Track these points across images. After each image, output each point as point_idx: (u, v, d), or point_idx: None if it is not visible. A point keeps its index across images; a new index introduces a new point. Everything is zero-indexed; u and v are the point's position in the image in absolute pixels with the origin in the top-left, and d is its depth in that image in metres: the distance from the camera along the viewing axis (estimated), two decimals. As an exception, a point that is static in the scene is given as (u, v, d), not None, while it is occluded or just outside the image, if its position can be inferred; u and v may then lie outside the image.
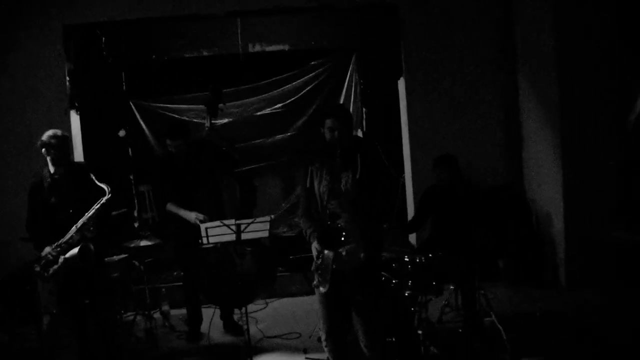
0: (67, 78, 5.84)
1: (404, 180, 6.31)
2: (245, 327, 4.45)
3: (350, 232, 3.37)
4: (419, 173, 5.88)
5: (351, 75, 7.72)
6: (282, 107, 7.71)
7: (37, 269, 4.05)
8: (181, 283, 5.37)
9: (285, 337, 4.89)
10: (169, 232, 5.06)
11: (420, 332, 4.07)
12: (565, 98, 5.24)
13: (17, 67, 5.72)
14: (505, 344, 4.12)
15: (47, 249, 4.07)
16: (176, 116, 7.52)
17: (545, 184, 5.52)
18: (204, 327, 5.00)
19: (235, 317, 5.14)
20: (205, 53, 7.33)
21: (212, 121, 4.97)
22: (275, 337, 4.91)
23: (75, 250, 4.01)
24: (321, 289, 3.42)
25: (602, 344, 4.21)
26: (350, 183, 3.43)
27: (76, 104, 5.99)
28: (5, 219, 5.63)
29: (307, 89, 7.68)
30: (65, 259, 4.03)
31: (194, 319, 5.06)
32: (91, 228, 4.03)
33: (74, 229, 4.03)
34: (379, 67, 7.13)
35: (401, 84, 6.09)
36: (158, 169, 5.05)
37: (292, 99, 7.69)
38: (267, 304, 5.73)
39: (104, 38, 6.32)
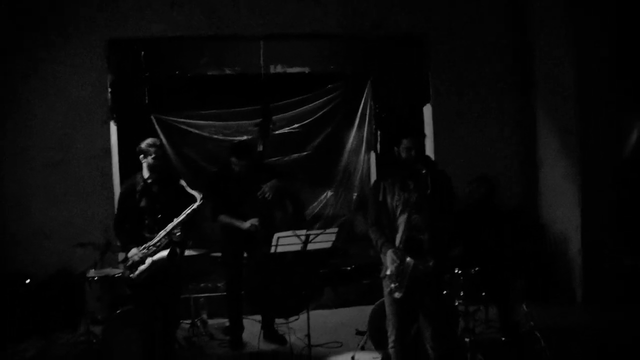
0: (109, 89, 6.10)
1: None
2: (285, 336, 4.83)
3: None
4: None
5: (366, 100, 8.17)
6: (299, 127, 8.07)
7: (125, 270, 4.29)
8: (218, 294, 5.66)
9: (327, 346, 5.20)
10: (220, 243, 5.34)
11: (467, 340, 4.49)
12: (583, 128, 5.81)
13: (63, 78, 5.96)
14: (545, 352, 4.57)
15: (134, 250, 4.31)
16: (196, 131, 7.78)
17: (563, 208, 6.04)
18: (245, 337, 5.30)
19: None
20: (227, 71, 7.67)
21: (263, 140, 5.34)
22: (317, 345, 5.20)
23: (165, 252, 4.25)
24: (397, 294, 3.77)
25: (625, 352, 4.71)
26: (416, 198, 3.83)
27: (114, 116, 6.24)
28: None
29: (324, 110, 8.07)
30: (153, 260, 4.26)
31: (237, 327, 5.31)
32: (179, 232, 4.27)
33: (163, 232, 4.26)
34: (395, 93, 7.65)
35: (427, 110, 6.58)
36: (215, 182, 5.31)
37: (310, 119, 8.05)
38: (299, 316, 6.03)
39: (142, 52, 6.60)
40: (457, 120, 6.42)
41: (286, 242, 4.33)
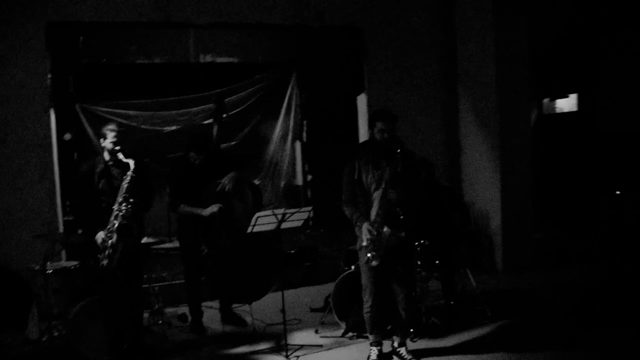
0: (49, 75, 6.00)
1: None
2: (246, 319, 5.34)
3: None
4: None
5: (292, 90, 8.62)
6: (228, 117, 8.30)
7: (104, 260, 4.38)
8: (167, 283, 5.84)
9: (288, 323, 5.58)
10: (178, 232, 5.53)
11: (421, 305, 5.12)
12: (501, 118, 6.67)
13: (1, 61, 5.76)
14: (485, 311, 5.32)
15: (101, 234, 4.45)
16: (124, 121, 7.78)
17: (485, 189, 6.86)
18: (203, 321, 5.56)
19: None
20: (157, 60, 7.75)
21: (218, 127, 5.59)
22: (277, 324, 5.54)
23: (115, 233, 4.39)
24: (374, 262, 4.26)
25: (544, 305, 5.64)
26: (389, 175, 4.34)
27: (53, 103, 6.14)
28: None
29: (252, 100, 8.41)
30: (112, 243, 4.40)
31: (197, 312, 5.53)
32: (126, 206, 4.40)
33: (115, 211, 4.41)
34: (326, 83, 8.16)
35: (362, 99, 7.14)
36: (175, 173, 5.47)
37: (238, 109, 8.35)
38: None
39: (81, 37, 6.53)
40: (389, 108, 7.02)
41: (264, 221, 4.65)
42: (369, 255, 4.28)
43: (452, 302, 5.35)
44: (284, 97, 8.55)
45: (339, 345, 4.99)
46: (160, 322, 5.59)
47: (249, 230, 4.67)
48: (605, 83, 7.98)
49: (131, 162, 4.47)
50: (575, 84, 8.46)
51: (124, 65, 7.59)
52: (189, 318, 5.71)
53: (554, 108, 9.02)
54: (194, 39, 7.72)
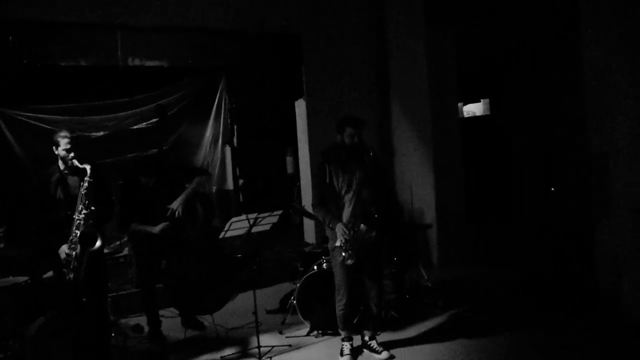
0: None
1: (300, 186, 7.60)
2: (204, 323, 5.48)
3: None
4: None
5: (221, 94, 8.67)
6: (157, 122, 8.21)
7: (70, 274, 4.25)
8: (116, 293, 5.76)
9: (247, 327, 5.68)
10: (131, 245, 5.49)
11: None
12: (434, 121, 7.20)
13: None
14: (437, 303, 5.76)
15: (64, 247, 4.32)
16: (48, 127, 7.43)
17: (419, 188, 7.35)
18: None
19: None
20: (83, 63, 7.49)
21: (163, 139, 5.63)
22: (238, 328, 5.65)
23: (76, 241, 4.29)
24: (349, 261, 4.52)
25: (485, 294, 6.20)
26: (360, 178, 4.63)
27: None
28: None
29: (181, 104, 8.37)
30: (76, 254, 4.29)
31: (156, 321, 5.50)
32: (86, 213, 4.30)
33: (76, 221, 4.30)
34: (258, 88, 8.31)
35: (300, 104, 7.38)
36: (125, 195, 5.38)
37: (168, 113, 8.25)
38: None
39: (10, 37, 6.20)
40: (328, 113, 7.34)
41: (237, 226, 4.75)
42: (344, 254, 4.53)
43: (407, 296, 5.74)
44: (214, 102, 8.58)
45: (307, 343, 5.19)
46: (114, 334, 5.52)
47: (222, 235, 4.76)
48: (511, 91, 8.82)
49: (87, 167, 4.36)
50: (487, 90, 9.25)
51: (46, 67, 7.26)
52: (145, 328, 5.67)
53: (465, 111, 9.81)
54: (122, 42, 7.55)
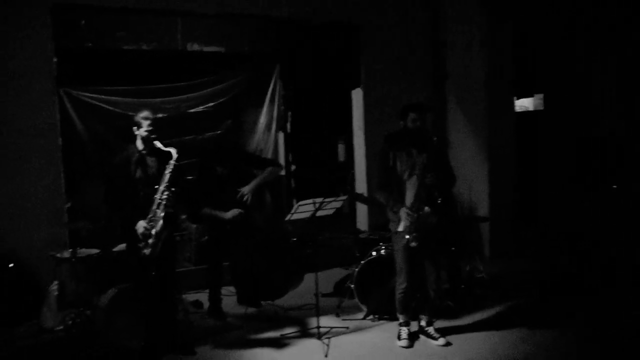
0: (55, 59, 5.96)
1: (353, 174, 7.76)
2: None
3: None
4: (372, 168, 7.38)
5: (275, 81, 8.83)
6: (213, 106, 8.45)
7: (146, 249, 4.49)
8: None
9: (304, 308, 5.90)
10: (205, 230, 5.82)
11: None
12: (490, 114, 7.28)
13: (5, 42, 5.68)
14: (490, 294, 5.88)
15: (142, 223, 4.52)
16: (109, 107, 7.72)
17: (473, 181, 7.44)
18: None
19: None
20: (144, 47, 7.75)
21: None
22: (295, 308, 5.89)
23: (160, 221, 4.52)
24: (413, 244, 4.67)
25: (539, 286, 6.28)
26: (424, 162, 4.76)
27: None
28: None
29: (237, 90, 8.55)
30: (156, 232, 4.54)
31: (218, 298, 5.74)
32: (168, 195, 4.52)
33: (157, 201, 4.52)
34: (310, 76, 8.48)
35: (357, 93, 7.54)
36: (201, 182, 5.63)
37: (223, 98, 8.47)
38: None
39: (83, 21, 6.49)
40: (383, 103, 7.48)
41: (303, 209, 4.93)
42: (407, 237, 4.67)
43: (462, 286, 5.86)
44: (268, 88, 8.75)
45: (363, 327, 5.38)
46: (180, 309, 5.78)
47: (288, 217, 4.96)
48: (570, 86, 8.78)
49: (173, 151, 4.59)
50: (542, 84, 9.23)
51: (110, 50, 7.53)
52: (204, 304, 5.93)
53: (517, 106, 9.81)
54: (182, 27, 7.79)
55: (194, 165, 6.12)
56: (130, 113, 7.80)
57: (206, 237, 6.84)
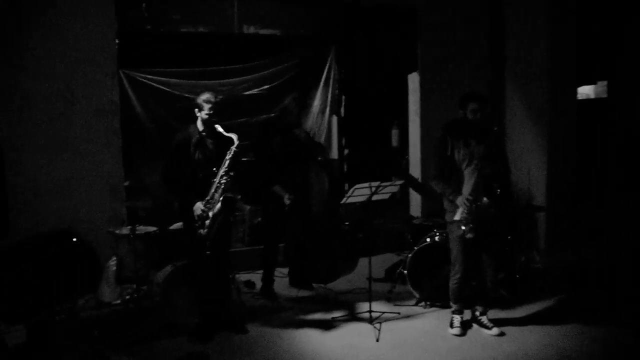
0: (116, 41, 6.12)
1: (408, 159, 7.71)
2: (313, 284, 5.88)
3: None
4: (427, 154, 7.32)
5: (330, 65, 8.83)
6: (268, 88, 8.50)
7: (202, 230, 4.59)
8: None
9: (354, 292, 5.93)
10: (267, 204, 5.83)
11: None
12: (552, 102, 7.07)
13: (68, 24, 5.86)
14: (545, 286, 5.76)
15: (199, 204, 4.62)
16: (167, 89, 7.87)
17: (529, 170, 7.26)
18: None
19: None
20: (201, 29, 7.85)
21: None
22: (345, 292, 5.92)
23: (218, 204, 4.60)
24: (469, 235, 4.61)
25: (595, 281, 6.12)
26: (482, 153, 4.69)
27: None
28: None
29: (291, 73, 8.57)
30: (214, 214, 4.62)
31: (271, 278, 5.83)
32: (227, 179, 4.59)
33: (215, 184, 4.60)
34: (364, 59, 8.43)
35: (413, 78, 7.46)
36: (259, 153, 5.75)
37: (278, 81, 8.51)
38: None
39: (144, 3, 6.63)
40: (440, 88, 7.37)
41: (359, 193, 4.93)
42: (463, 228, 4.62)
43: (517, 276, 5.76)
44: (323, 71, 8.75)
45: (415, 313, 5.37)
46: (232, 288, 5.89)
47: (344, 200, 4.96)
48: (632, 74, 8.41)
49: (234, 137, 4.64)
50: (605, 71, 8.88)
51: (167, 33, 7.65)
52: (256, 284, 6.03)
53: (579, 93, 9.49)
54: (238, 10, 7.86)
55: (248, 147, 6.23)
56: (187, 95, 8.08)
57: (259, 219, 7.01)
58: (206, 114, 4.68)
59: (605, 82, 8.96)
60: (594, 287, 5.98)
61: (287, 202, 5.50)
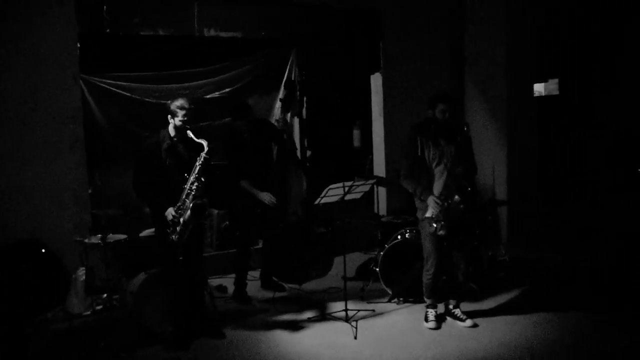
0: (78, 44, 6.01)
1: (372, 159, 7.83)
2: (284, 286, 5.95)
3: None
4: (391, 154, 7.47)
5: (291, 67, 8.88)
6: (229, 91, 8.49)
7: (174, 235, 4.56)
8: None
9: (328, 291, 6.00)
10: (237, 207, 5.84)
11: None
12: (510, 97, 7.33)
13: (30, 27, 5.71)
14: (511, 278, 5.96)
15: (171, 210, 4.59)
16: (127, 94, 7.77)
17: (490, 165, 7.50)
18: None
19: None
20: (161, 32, 7.77)
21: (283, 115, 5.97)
22: (318, 292, 5.98)
23: (188, 211, 4.57)
24: (441, 232, 4.75)
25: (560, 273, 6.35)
26: (453, 152, 4.84)
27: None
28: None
29: (253, 75, 8.58)
30: (184, 220, 4.60)
31: (243, 282, 5.84)
32: (198, 185, 4.58)
33: (186, 190, 4.59)
34: (325, 61, 8.52)
35: (376, 78, 7.59)
36: (229, 146, 5.71)
37: (239, 84, 8.51)
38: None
39: (105, 6, 6.52)
40: (402, 87, 7.53)
41: (333, 193, 4.99)
42: (435, 225, 4.75)
43: (484, 269, 5.95)
44: (284, 73, 8.79)
45: (389, 309, 5.48)
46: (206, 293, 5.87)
47: (317, 201, 5.02)
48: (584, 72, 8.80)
49: (204, 143, 4.62)
50: (557, 69, 9.25)
51: (127, 36, 7.55)
52: (228, 288, 6.03)
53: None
54: (198, 12, 7.82)
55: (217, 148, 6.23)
56: (148, 99, 8.00)
57: (226, 223, 7.01)
58: (180, 121, 4.65)
59: (556, 80, 9.34)
60: (554, 279, 6.22)
61: (263, 199, 5.55)
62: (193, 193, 4.60)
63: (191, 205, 4.58)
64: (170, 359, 4.56)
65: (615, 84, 8.37)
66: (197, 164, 4.62)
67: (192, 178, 4.62)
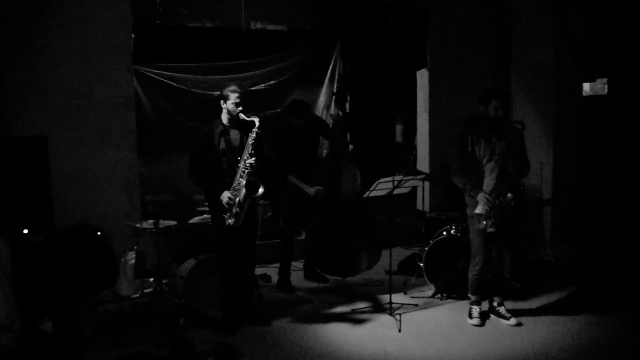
0: (132, 35, 6.19)
1: (415, 155, 7.88)
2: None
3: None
4: (435, 149, 7.50)
5: (335, 61, 8.96)
6: (275, 84, 8.61)
7: (230, 220, 4.69)
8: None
9: (370, 284, 6.09)
10: (282, 199, 5.97)
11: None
12: (557, 98, 7.28)
13: (87, 17, 5.91)
14: (556, 278, 5.95)
15: (227, 194, 4.71)
16: (174, 84, 7.95)
17: (535, 164, 7.45)
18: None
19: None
20: (208, 24, 7.94)
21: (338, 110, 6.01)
22: (361, 285, 6.08)
23: (243, 189, 4.68)
24: (491, 229, 4.79)
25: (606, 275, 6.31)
26: (504, 149, 4.87)
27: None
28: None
29: (297, 68, 8.69)
30: (239, 201, 4.70)
31: (288, 271, 5.96)
32: (251, 162, 4.67)
33: (239, 170, 4.70)
34: (371, 56, 8.59)
35: (422, 74, 7.62)
36: (282, 141, 5.82)
37: (285, 76, 8.62)
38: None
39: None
40: (447, 83, 7.56)
41: (382, 186, 5.07)
42: (484, 222, 4.79)
43: (529, 268, 5.96)
44: (328, 67, 8.87)
45: (432, 304, 5.54)
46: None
47: (366, 194, 5.11)
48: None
49: (256, 120, 4.72)
50: (605, 69, 9.11)
51: (175, 27, 7.72)
52: (272, 278, 6.15)
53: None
54: (245, 5, 7.96)
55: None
56: (194, 90, 8.18)
57: (269, 214, 7.13)
58: (232, 103, 4.76)
59: (605, 80, 9.20)
60: (599, 280, 6.18)
61: (310, 193, 5.64)
62: (247, 171, 4.69)
63: (244, 182, 4.68)
64: (218, 343, 4.69)
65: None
66: (249, 141, 4.72)
67: (245, 156, 4.71)
